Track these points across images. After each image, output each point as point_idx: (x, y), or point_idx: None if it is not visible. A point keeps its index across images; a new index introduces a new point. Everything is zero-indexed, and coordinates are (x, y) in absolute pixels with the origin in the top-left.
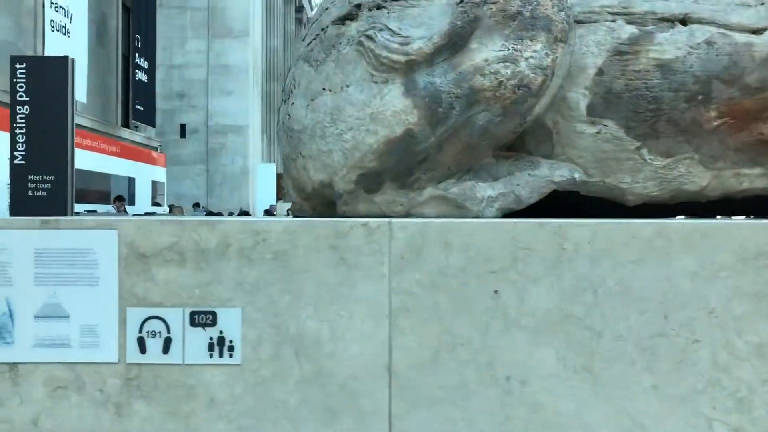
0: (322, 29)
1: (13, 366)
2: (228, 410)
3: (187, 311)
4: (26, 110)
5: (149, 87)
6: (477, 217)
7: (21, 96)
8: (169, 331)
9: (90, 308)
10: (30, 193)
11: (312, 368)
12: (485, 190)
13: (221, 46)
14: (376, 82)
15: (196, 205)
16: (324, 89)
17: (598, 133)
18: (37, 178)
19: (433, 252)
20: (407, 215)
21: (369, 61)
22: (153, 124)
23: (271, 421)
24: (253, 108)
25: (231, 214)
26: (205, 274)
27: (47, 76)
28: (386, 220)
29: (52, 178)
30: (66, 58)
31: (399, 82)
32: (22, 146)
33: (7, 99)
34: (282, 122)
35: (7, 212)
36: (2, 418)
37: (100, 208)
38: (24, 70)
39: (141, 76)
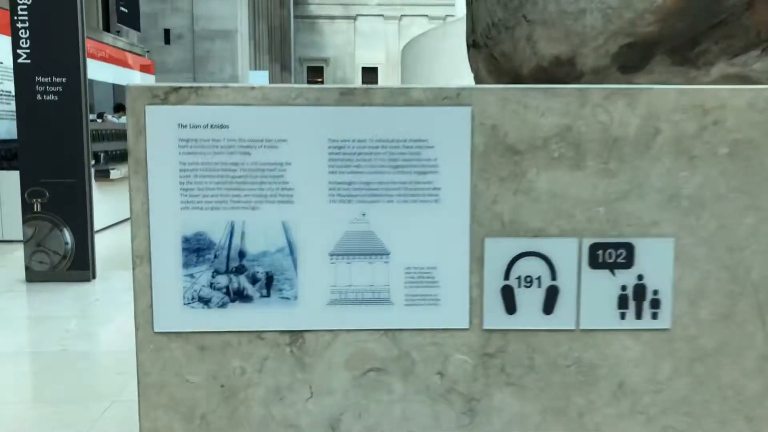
0: None
1: (296, 336)
2: (646, 403)
3: (586, 243)
4: (29, 0)
5: None
6: None
7: None
8: (554, 277)
9: (423, 240)
10: (39, 97)
11: None
12: None
13: None
14: None
15: None
16: None
17: None
18: (46, 80)
19: None
20: None
21: None
22: (138, 28)
23: (719, 421)
24: (241, 11)
25: None
26: (617, 180)
27: None
28: None
29: (63, 80)
30: None
31: None
32: (26, 42)
33: None
34: None
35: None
36: (285, 419)
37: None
38: None
39: None
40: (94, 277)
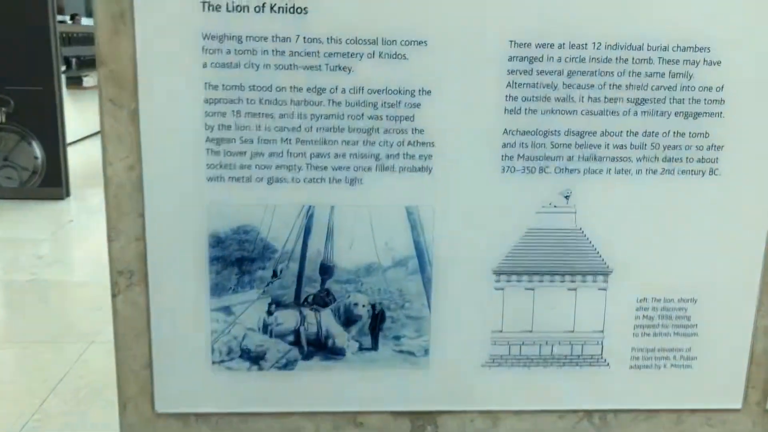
0: None
1: (425, 420)
2: None
3: None
4: None
5: None
6: None
7: None
8: None
9: (678, 248)
10: None
11: None
12: None
13: None
14: None
15: None
16: None
17: None
18: None
19: None
20: None
21: None
22: None
23: None
24: None
25: None
26: None
27: None
28: None
29: None
30: None
31: None
32: None
33: None
34: None
35: None
36: None
37: None
38: None
39: None
40: (68, 194)
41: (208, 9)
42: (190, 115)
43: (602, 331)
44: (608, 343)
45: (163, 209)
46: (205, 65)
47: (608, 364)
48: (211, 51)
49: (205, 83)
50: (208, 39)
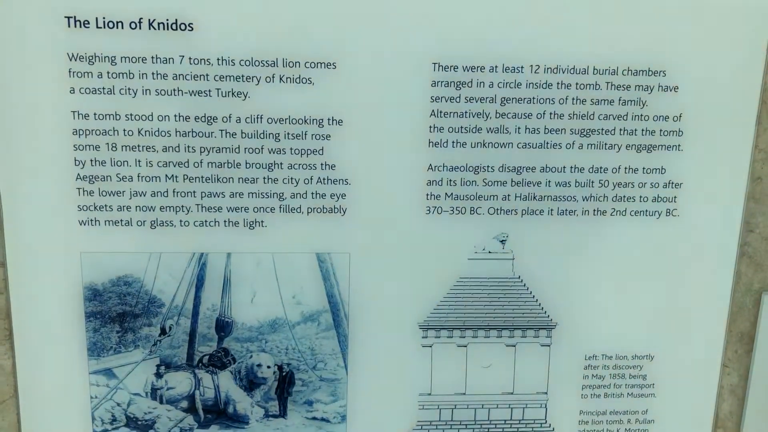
0: None
1: None
2: None
3: None
4: None
5: None
6: None
7: None
8: None
9: (630, 298)
10: None
11: None
12: None
13: None
14: None
15: None
16: None
17: None
18: None
19: None
20: None
21: None
22: None
23: None
24: None
25: None
26: None
27: None
28: None
29: None
30: None
31: None
32: None
33: None
34: None
35: None
36: None
37: None
38: None
39: None
40: None
41: (75, 25)
42: (57, 148)
43: (546, 393)
44: (553, 406)
45: (28, 257)
46: (72, 91)
47: (553, 429)
48: (79, 74)
49: (73, 112)
50: (75, 60)
